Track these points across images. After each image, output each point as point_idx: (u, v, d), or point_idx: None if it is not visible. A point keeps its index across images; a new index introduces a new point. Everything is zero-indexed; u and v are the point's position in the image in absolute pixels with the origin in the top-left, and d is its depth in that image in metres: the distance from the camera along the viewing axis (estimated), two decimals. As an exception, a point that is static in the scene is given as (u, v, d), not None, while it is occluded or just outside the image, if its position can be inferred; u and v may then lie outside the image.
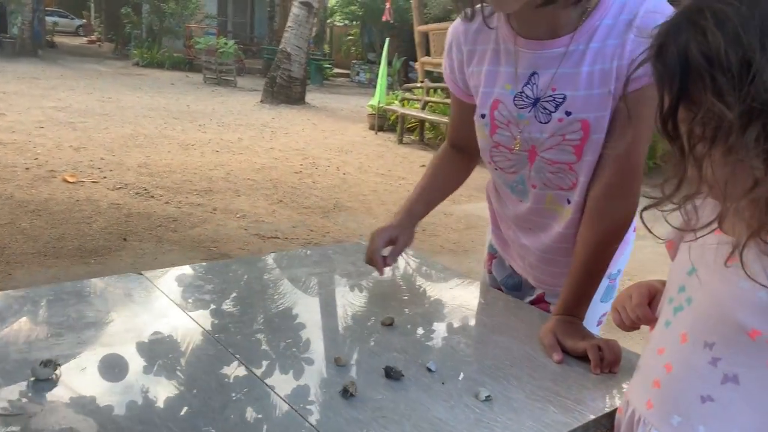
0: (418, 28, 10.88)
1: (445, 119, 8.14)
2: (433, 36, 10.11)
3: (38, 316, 1.13)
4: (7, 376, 0.92)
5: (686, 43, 0.67)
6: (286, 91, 12.57)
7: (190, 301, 1.25)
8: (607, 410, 0.96)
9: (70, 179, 5.52)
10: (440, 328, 1.22)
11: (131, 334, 1.09)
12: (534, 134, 1.21)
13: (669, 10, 1.06)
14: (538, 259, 1.37)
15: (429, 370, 1.03)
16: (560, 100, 1.16)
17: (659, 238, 0.84)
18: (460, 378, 1.02)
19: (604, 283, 1.35)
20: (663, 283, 0.93)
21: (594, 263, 1.20)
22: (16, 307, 1.15)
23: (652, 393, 0.83)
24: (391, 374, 0.99)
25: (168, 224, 4.67)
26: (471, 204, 5.94)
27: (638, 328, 0.97)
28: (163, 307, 1.21)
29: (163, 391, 0.93)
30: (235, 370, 1.00)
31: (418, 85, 10.52)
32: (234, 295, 1.31)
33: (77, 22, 30.70)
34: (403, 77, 16.93)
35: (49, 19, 23.49)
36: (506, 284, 1.50)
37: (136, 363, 1.00)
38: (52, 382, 0.91)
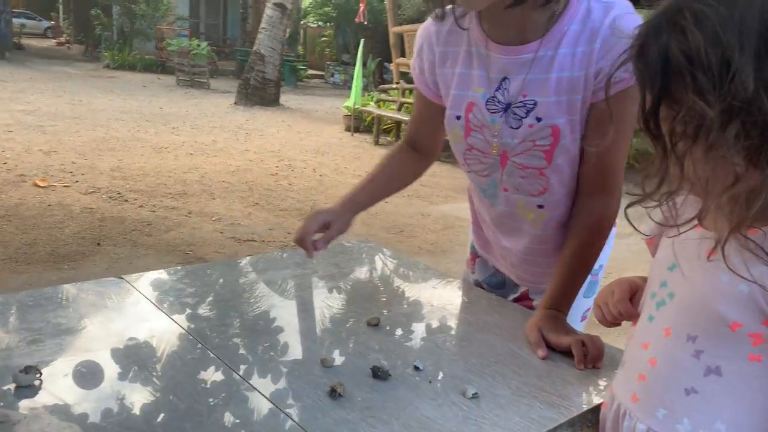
0: (393, 29, 10.89)
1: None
2: (408, 37, 10.13)
3: (17, 322, 1.11)
4: (-12, 383, 0.91)
5: (667, 42, 0.69)
6: (260, 93, 12.49)
7: (172, 304, 1.23)
8: (593, 405, 0.97)
9: (41, 184, 5.42)
10: (425, 328, 1.23)
11: (113, 338, 1.08)
12: (505, 139, 1.22)
13: (634, 20, 1.08)
14: (519, 260, 1.38)
15: (416, 368, 1.03)
16: (531, 106, 1.17)
17: (644, 234, 0.86)
18: (446, 376, 1.03)
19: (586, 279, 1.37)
20: (644, 279, 0.95)
21: (579, 259, 1.22)
22: (-6, 314, 1.13)
23: (638, 387, 0.84)
24: (379, 374, 0.99)
25: (142, 228, 4.62)
26: (449, 204, 5.97)
27: (620, 324, 0.99)
28: (144, 311, 1.20)
29: (148, 395, 0.92)
30: (220, 374, 0.99)
31: (394, 86, 10.53)
32: (217, 298, 1.30)
33: (45, 24, 30.11)
34: (378, 78, 16.93)
35: (16, 20, 22.98)
36: (490, 283, 1.51)
37: (119, 368, 0.99)
38: (34, 389, 0.90)
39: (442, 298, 1.38)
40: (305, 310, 1.31)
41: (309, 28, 23.76)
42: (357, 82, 9.83)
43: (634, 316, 0.92)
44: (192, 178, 6.18)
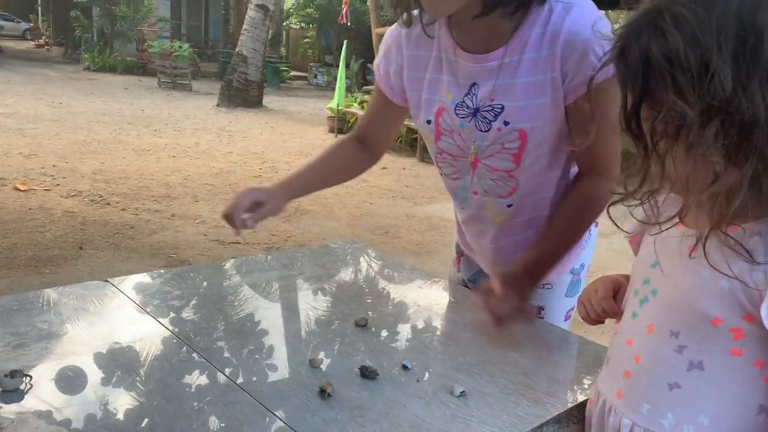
0: (376, 31, 10.88)
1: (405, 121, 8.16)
2: (391, 39, 10.13)
3: (1, 326, 1.10)
4: (-27, 389, 0.90)
5: (647, 44, 0.70)
6: (242, 95, 12.44)
7: (158, 307, 1.23)
8: (579, 401, 0.99)
9: (21, 187, 5.36)
10: (412, 327, 1.24)
11: (99, 342, 1.07)
12: (476, 142, 1.24)
13: (592, 19, 1.09)
14: (495, 260, 1.40)
15: (405, 367, 1.04)
16: (498, 110, 1.19)
17: (626, 232, 0.87)
18: (434, 375, 1.03)
19: (568, 278, 1.39)
20: (627, 277, 0.96)
21: (560, 233, 1.24)
22: (-22, 319, 1.12)
23: (623, 383, 0.85)
24: (367, 374, 1.00)
25: (125, 231, 4.58)
26: (433, 205, 5.99)
27: (603, 321, 1.01)
28: (131, 314, 1.20)
29: (137, 398, 0.92)
30: (209, 376, 0.99)
31: (377, 87, 10.53)
32: (204, 300, 1.29)
33: (24, 25, 29.73)
34: (361, 80, 16.93)
35: (-7, 22, 22.72)
36: (475, 281, 1.52)
37: (107, 371, 0.98)
38: (20, 393, 0.89)
39: (428, 298, 1.39)
40: (291, 311, 1.31)
41: (292, 29, 23.70)
42: (340, 83, 9.83)
43: (617, 314, 0.94)
44: (175, 181, 6.14)
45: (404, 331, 1.22)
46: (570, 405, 0.98)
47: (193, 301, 1.28)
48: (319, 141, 9.42)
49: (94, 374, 0.97)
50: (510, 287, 1.12)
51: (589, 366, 1.11)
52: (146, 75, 17.32)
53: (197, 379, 0.98)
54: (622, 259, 3.94)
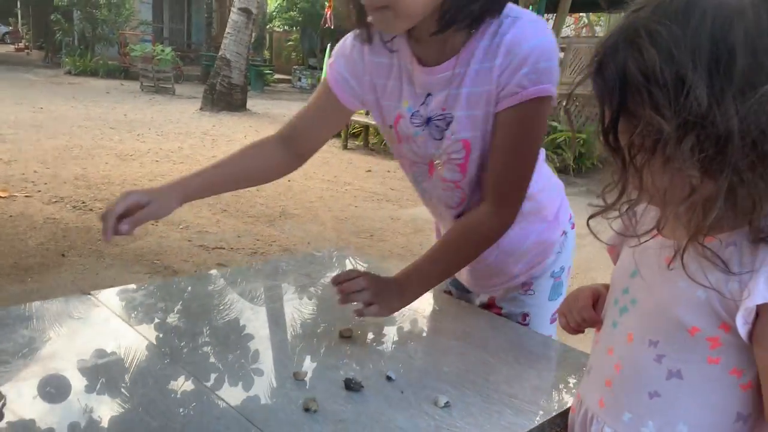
0: (359, 34, 10.90)
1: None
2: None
3: (-19, 343, 1.09)
4: (-47, 408, 0.89)
5: (624, 60, 0.71)
6: (226, 98, 12.38)
7: (141, 320, 1.22)
8: (561, 410, 1.00)
9: (1, 194, 5.29)
10: (396, 337, 1.24)
11: (83, 357, 1.06)
12: (431, 150, 1.27)
13: (534, 34, 1.12)
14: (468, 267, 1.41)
15: (389, 378, 1.04)
16: (449, 120, 1.22)
17: (605, 242, 0.88)
18: (418, 386, 1.04)
19: (549, 281, 1.40)
20: (606, 286, 0.97)
21: (443, 253, 1.25)
22: (-43, 335, 1.10)
23: (604, 392, 0.87)
24: (351, 386, 1.00)
25: (109, 238, 4.53)
26: (418, 208, 5.99)
27: (583, 331, 1.02)
28: (114, 327, 1.19)
29: (120, 414, 0.91)
30: (193, 390, 0.99)
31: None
32: (188, 312, 1.29)
33: (3, 29, 29.45)
34: (344, 82, 16.90)
35: (-28, 26, 22.45)
36: (456, 286, 1.53)
37: (90, 387, 0.98)
38: None
39: (412, 306, 1.39)
40: (276, 323, 1.31)
41: (275, 32, 23.67)
42: (324, 86, 9.81)
43: (597, 323, 0.95)
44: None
45: (388, 340, 1.22)
46: (554, 413, 0.99)
47: (178, 314, 1.27)
48: (304, 144, 9.39)
49: (75, 390, 0.97)
50: (375, 286, 1.16)
51: (572, 373, 1.12)
52: (128, 79, 17.20)
53: (180, 393, 0.97)
54: (606, 258, 3.97)
